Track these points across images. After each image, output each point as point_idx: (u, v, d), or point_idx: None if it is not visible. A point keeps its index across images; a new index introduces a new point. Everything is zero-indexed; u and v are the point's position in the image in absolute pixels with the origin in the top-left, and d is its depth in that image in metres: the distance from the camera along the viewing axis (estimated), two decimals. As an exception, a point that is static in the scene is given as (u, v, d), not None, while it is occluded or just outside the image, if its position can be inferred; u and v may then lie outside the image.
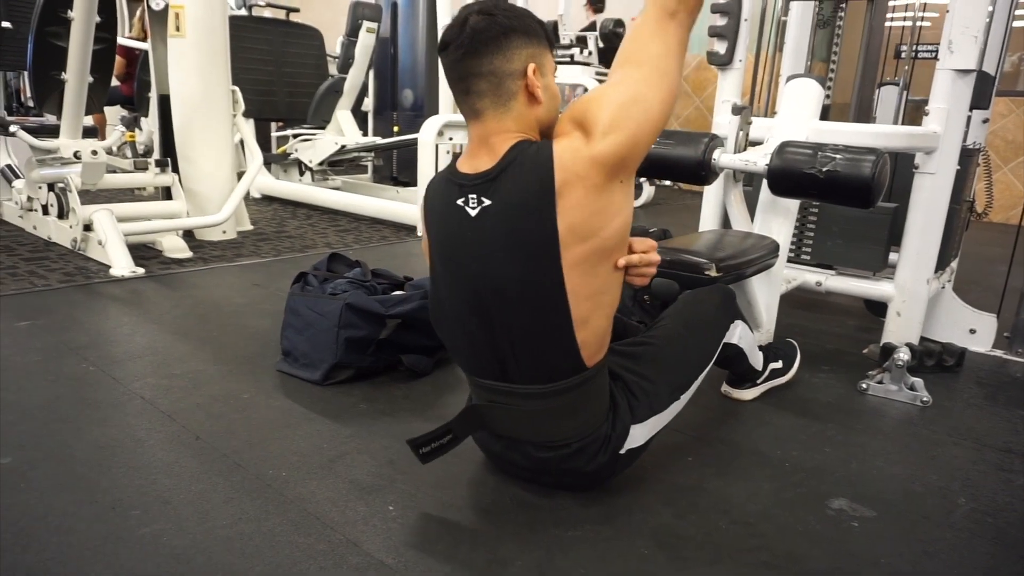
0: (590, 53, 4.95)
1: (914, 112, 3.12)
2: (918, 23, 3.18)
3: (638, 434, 1.25)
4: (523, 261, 1.11)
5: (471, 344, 1.22)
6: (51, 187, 3.06)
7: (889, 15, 3.19)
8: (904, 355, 1.78)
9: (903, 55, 3.93)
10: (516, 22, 1.11)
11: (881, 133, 1.88)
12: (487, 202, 1.11)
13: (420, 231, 1.28)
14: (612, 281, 1.17)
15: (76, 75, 2.96)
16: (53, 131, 3.17)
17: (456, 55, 1.11)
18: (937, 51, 1.90)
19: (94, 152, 2.97)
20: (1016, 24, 2.67)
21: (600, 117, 1.08)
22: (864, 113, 3.03)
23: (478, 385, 1.26)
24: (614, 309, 1.20)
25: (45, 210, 3.14)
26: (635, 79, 1.12)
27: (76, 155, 2.98)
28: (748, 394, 1.74)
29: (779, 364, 1.79)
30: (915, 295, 2.01)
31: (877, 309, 2.41)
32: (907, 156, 2.02)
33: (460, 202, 1.14)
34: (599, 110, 1.09)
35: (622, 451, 1.24)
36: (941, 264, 2.09)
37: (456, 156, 1.21)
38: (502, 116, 1.12)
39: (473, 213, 1.13)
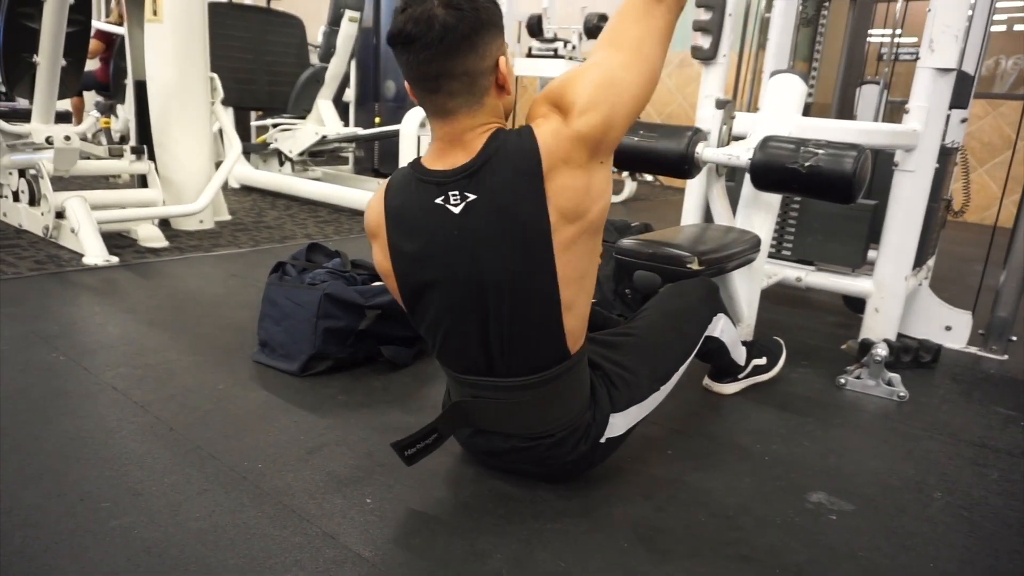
0: (573, 47, 4.94)
1: (894, 113, 3.15)
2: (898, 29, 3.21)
3: (618, 423, 1.25)
4: (515, 250, 1.09)
5: (459, 341, 1.19)
6: (22, 173, 2.99)
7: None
8: (882, 351, 1.80)
9: (884, 56, 3.97)
10: (484, 14, 1.05)
11: (863, 130, 1.89)
12: (471, 196, 1.08)
13: (376, 253, 1.23)
14: (594, 264, 1.17)
15: (48, 58, 2.89)
16: (25, 116, 3.09)
17: (425, 55, 1.02)
18: (918, 53, 1.92)
19: (67, 137, 2.90)
20: (993, 29, 2.71)
21: (577, 98, 1.07)
22: (846, 112, 3.06)
23: (461, 382, 1.24)
24: (592, 293, 1.20)
25: (16, 197, 3.06)
26: (614, 61, 1.11)
27: (48, 140, 2.90)
28: (729, 388, 1.75)
29: (763, 361, 1.79)
30: (893, 292, 2.03)
31: (855, 305, 2.43)
32: (887, 154, 2.04)
33: (439, 200, 1.09)
34: (576, 90, 1.08)
35: (602, 440, 1.24)
36: (919, 261, 2.11)
37: (417, 157, 1.17)
38: (475, 113, 1.09)
39: (457, 210, 1.09)
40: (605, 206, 1.13)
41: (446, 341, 1.21)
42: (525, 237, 1.08)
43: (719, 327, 1.53)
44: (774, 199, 1.91)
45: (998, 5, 2.54)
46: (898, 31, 3.56)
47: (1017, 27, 5.20)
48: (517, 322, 1.14)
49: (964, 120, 2.44)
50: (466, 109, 1.09)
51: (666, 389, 1.34)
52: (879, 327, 2.05)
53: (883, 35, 3.99)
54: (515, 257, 1.10)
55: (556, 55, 4.89)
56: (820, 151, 1.60)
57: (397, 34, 1.03)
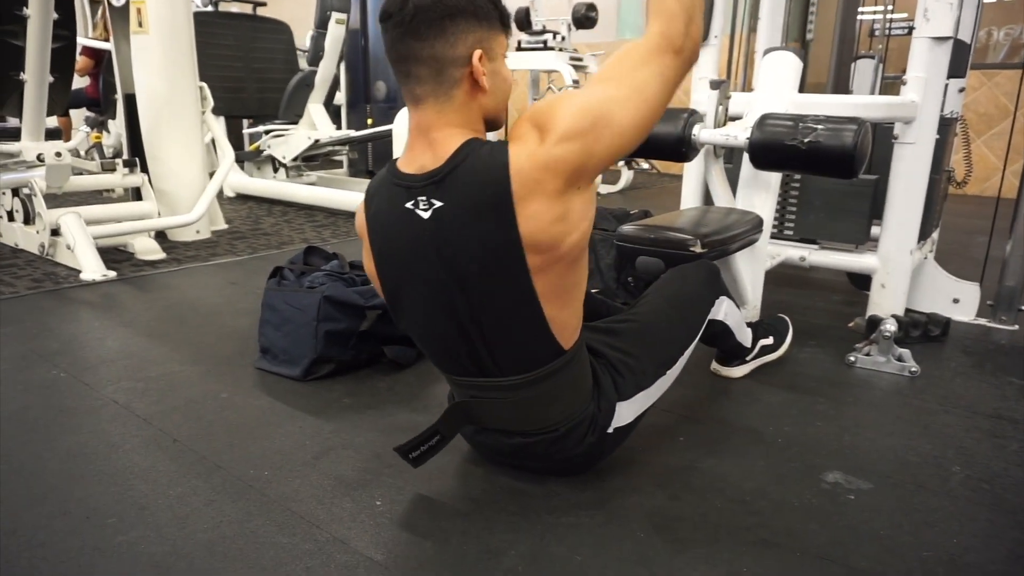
0: (563, 39, 4.91)
1: (889, 89, 3.12)
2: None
3: (625, 412, 1.22)
4: (487, 263, 1.05)
5: (444, 346, 1.17)
6: (15, 192, 2.97)
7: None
8: (891, 326, 1.77)
9: (876, 32, 3.94)
10: (464, 2, 1.02)
11: (861, 104, 1.86)
12: (438, 203, 1.04)
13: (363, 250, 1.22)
14: (580, 277, 1.13)
15: (35, 75, 2.87)
16: (14, 135, 3.07)
17: (396, 33, 1.03)
18: (909, 27, 1.89)
19: (58, 154, 2.88)
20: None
21: (560, 121, 1.01)
22: (841, 88, 3.03)
23: (457, 384, 1.22)
24: (583, 296, 1.16)
25: (10, 216, 3.05)
26: (609, 94, 1.04)
27: (39, 158, 2.88)
28: (737, 371, 1.72)
29: (770, 340, 1.77)
30: (899, 266, 2.00)
31: (860, 282, 2.41)
32: (886, 128, 2.01)
33: (409, 205, 1.06)
34: (561, 114, 1.02)
35: (610, 430, 1.21)
36: (923, 234, 2.08)
37: (395, 159, 1.14)
38: (443, 106, 1.04)
39: (426, 216, 1.05)
40: (584, 234, 1.08)
41: (433, 345, 1.20)
42: (496, 253, 1.04)
43: (722, 310, 1.51)
44: (774, 178, 1.88)
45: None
46: (889, 7, 3.54)
47: (1008, -4, 5.16)
48: (499, 325, 1.10)
49: (962, 90, 2.41)
50: (433, 99, 1.04)
51: (672, 375, 1.32)
52: (886, 303, 2.02)
53: (874, 12, 3.97)
54: (487, 268, 1.05)
55: (546, 47, 4.86)
56: (819, 126, 1.57)
57: (381, 11, 1.04)
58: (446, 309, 1.11)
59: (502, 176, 1.00)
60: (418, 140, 1.08)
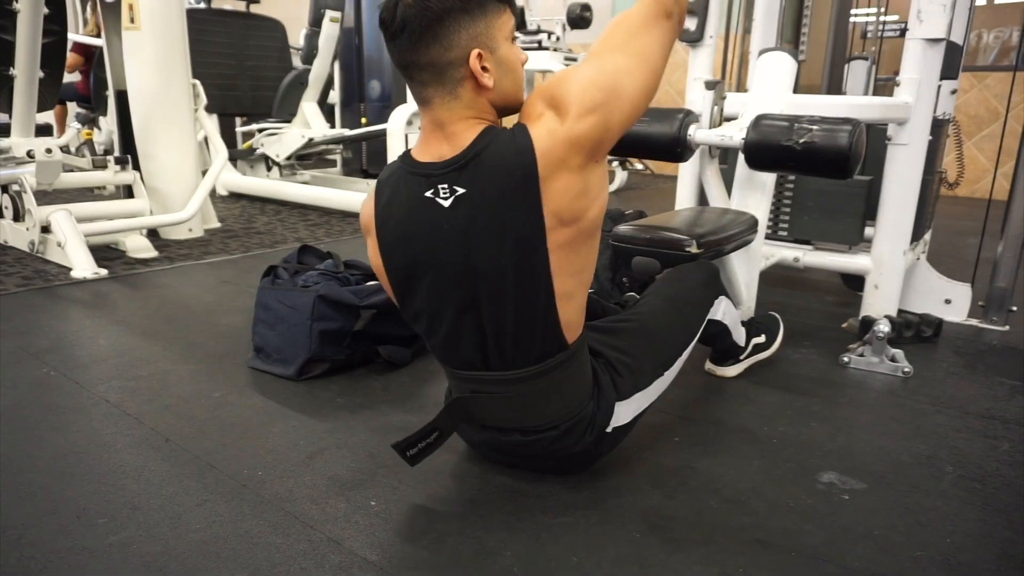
0: (558, 39, 4.91)
1: (882, 91, 3.14)
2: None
3: (623, 412, 1.22)
4: (507, 246, 1.06)
5: (451, 336, 1.17)
6: (5, 188, 2.94)
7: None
8: (884, 327, 1.78)
9: (868, 35, 3.96)
10: (451, 1, 1.00)
11: (855, 104, 1.87)
12: (460, 190, 1.05)
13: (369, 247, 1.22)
14: (592, 259, 1.14)
15: (25, 70, 2.85)
16: (4, 130, 3.05)
17: (392, 44, 1.04)
18: (902, 28, 1.90)
19: (48, 150, 2.86)
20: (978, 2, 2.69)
21: (576, 99, 1.03)
22: (835, 90, 3.04)
23: (459, 378, 1.21)
24: (590, 283, 1.18)
25: (0, 213, 3.02)
26: (618, 66, 1.07)
27: (29, 154, 2.87)
28: (732, 371, 1.73)
29: (761, 339, 1.78)
30: (892, 267, 2.01)
31: (854, 284, 2.42)
32: (879, 129, 2.02)
33: (429, 194, 1.07)
34: (576, 91, 1.04)
35: (608, 430, 1.21)
36: (916, 236, 2.09)
37: (407, 150, 1.15)
38: (452, 104, 1.05)
39: (446, 203, 1.06)
40: (603, 206, 1.10)
41: (439, 336, 1.19)
42: (518, 236, 1.05)
43: (720, 310, 1.51)
44: (769, 179, 1.89)
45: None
46: (881, 9, 3.56)
47: (997, 0, 5.20)
48: (510, 313, 1.10)
49: (954, 91, 2.43)
50: (440, 100, 1.05)
51: (670, 375, 1.32)
52: (879, 303, 2.03)
53: (866, 14, 4.00)
54: (507, 252, 1.07)
55: (540, 47, 4.86)
56: (814, 127, 1.57)
57: (379, 21, 1.04)
58: (460, 296, 1.11)
59: (528, 159, 1.02)
60: (433, 134, 1.08)
